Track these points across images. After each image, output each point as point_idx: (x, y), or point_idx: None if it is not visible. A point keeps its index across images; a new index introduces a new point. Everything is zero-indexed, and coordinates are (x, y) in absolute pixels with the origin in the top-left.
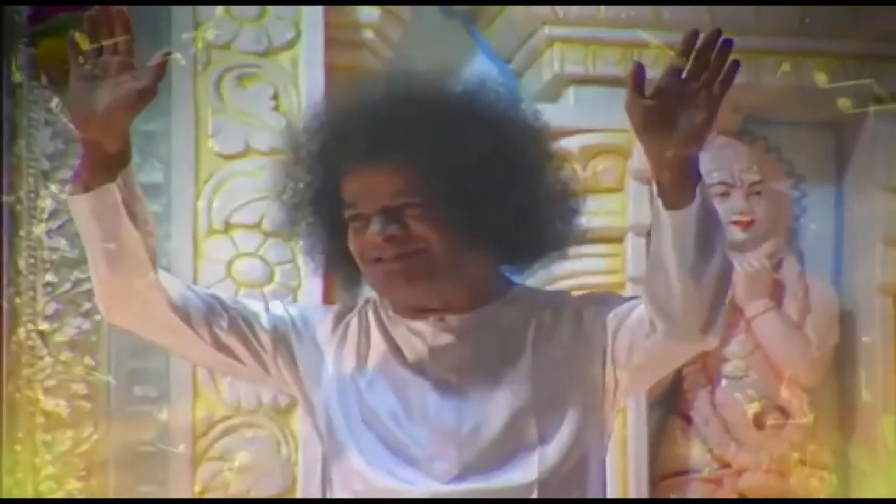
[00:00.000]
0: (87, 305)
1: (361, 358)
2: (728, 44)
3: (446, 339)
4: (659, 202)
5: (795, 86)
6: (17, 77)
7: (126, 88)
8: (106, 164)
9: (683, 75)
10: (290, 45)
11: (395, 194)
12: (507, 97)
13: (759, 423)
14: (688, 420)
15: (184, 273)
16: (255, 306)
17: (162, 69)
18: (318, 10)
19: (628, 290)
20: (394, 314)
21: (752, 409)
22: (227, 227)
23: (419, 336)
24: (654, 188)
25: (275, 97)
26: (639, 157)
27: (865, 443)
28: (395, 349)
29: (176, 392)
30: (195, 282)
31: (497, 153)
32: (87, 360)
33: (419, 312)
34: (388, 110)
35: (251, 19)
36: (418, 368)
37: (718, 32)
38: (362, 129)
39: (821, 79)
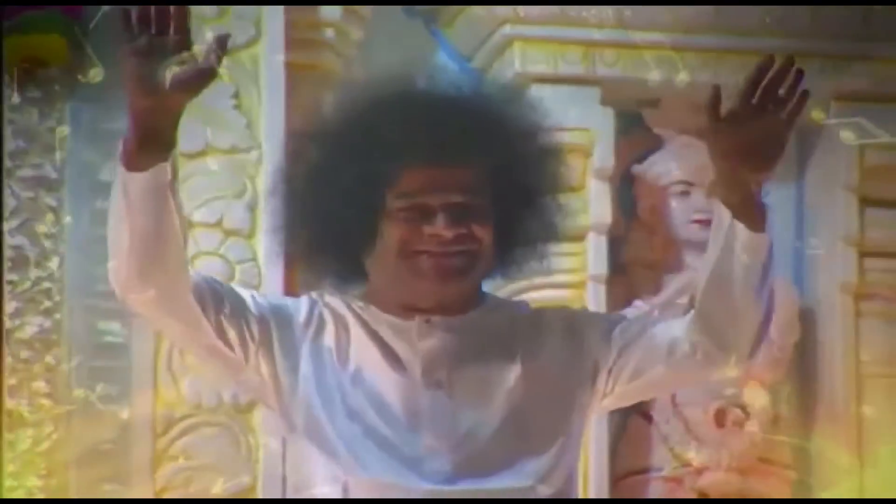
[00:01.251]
0: (47, 303)
1: (342, 353)
2: (800, 74)
3: (433, 340)
4: (738, 224)
5: None
6: None
7: (188, 68)
8: (158, 143)
9: (754, 101)
10: (250, 43)
11: (463, 191)
12: (531, 102)
13: (719, 421)
14: (648, 419)
15: None
16: (244, 293)
17: (223, 49)
18: (278, 10)
19: (589, 289)
20: (375, 310)
21: (713, 407)
22: (188, 225)
23: (404, 335)
24: (719, 212)
25: (235, 96)
26: (600, 156)
27: (827, 440)
28: (383, 347)
29: (137, 391)
30: None
31: (533, 158)
32: (48, 358)
33: (407, 311)
34: (457, 108)
35: (212, 18)
36: (408, 368)
37: (791, 61)
38: (433, 122)
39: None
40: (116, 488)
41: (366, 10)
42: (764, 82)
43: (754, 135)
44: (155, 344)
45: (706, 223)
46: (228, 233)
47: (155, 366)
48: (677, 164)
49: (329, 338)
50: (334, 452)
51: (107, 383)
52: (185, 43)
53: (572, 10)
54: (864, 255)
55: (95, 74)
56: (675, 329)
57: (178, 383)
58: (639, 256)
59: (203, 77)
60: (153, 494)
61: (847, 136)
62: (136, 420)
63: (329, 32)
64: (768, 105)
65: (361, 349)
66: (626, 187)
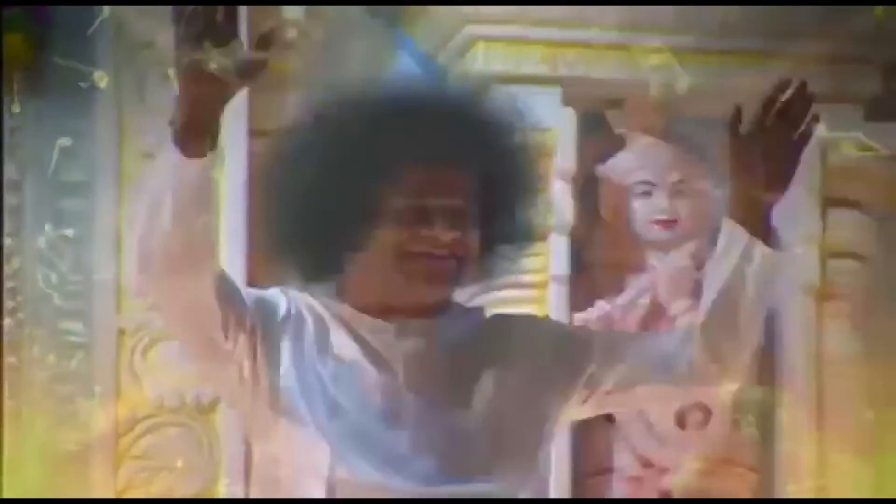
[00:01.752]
0: (9, 304)
1: (323, 349)
2: (811, 98)
3: (411, 342)
4: (757, 242)
5: (718, 85)
6: None
7: (238, 58)
8: (207, 131)
9: (767, 123)
10: None
11: (459, 195)
12: (512, 106)
13: (681, 422)
14: (610, 419)
15: (108, 271)
16: (236, 282)
17: (270, 42)
18: (241, 9)
19: (551, 290)
20: (350, 308)
21: (675, 408)
22: None
23: (382, 335)
24: (733, 231)
25: None
26: (563, 156)
27: (789, 441)
28: (364, 345)
29: (99, 391)
30: (118, 280)
31: (515, 159)
32: (11, 358)
33: (383, 312)
34: (456, 111)
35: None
36: (391, 368)
37: (804, 85)
38: (434, 124)
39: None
40: (78, 488)
41: (328, 10)
42: (778, 104)
43: (770, 155)
44: (117, 344)
45: (668, 223)
46: None
47: (117, 366)
48: (640, 164)
49: (309, 334)
50: (317, 449)
51: (69, 384)
52: (233, 33)
53: (534, 9)
54: (826, 255)
55: (100, 78)
56: (668, 344)
57: (140, 384)
58: (601, 257)
59: (252, 69)
60: (115, 494)
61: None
62: (99, 420)
63: (292, 32)
64: (781, 127)
65: (343, 347)
66: (588, 188)
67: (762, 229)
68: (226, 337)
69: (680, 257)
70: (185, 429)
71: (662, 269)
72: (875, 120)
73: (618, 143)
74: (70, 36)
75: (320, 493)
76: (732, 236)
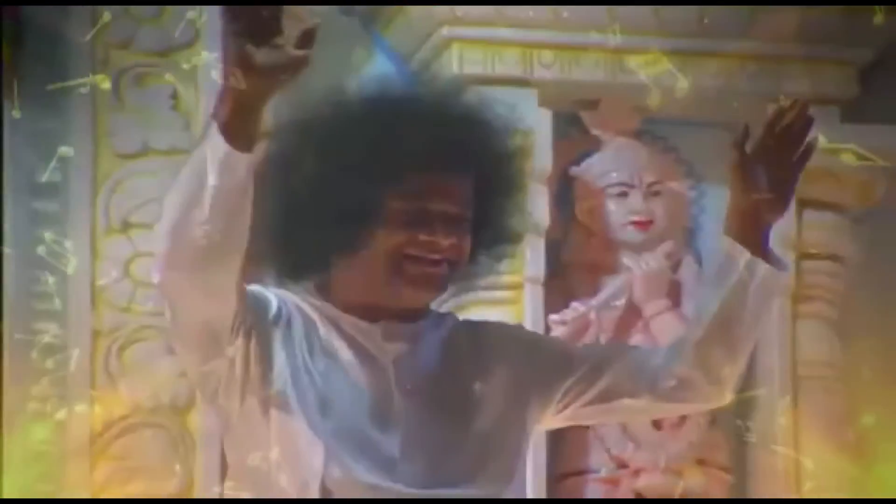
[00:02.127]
0: None
1: (314, 348)
2: (810, 122)
3: (397, 344)
4: (759, 261)
5: (694, 86)
6: None
7: (282, 54)
8: (253, 125)
9: (770, 144)
10: (189, 44)
11: (458, 201)
12: (504, 115)
13: (656, 423)
14: None
15: (82, 271)
16: None
17: (312, 39)
18: (217, 10)
19: (526, 291)
20: (334, 308)
21: None
22: (126, 226)
23: (369, 336)
24: (732, 250)
25: (174, 96)
26: (538, 158)
27: (764, 441)
28: (354, 345)
29: (74, 391)
30: (93, 281)
31: (510, 171)
32: None
33: (368, 313)
34: (460, 116)
35: (150, 18)
36: (382, 369)
37: (805, 107)
38: (440, 129)
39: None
40: (53, 489)
41: (303, 10)
42: (782, 125)
43: (772, 175)
44: (92, 345)
45: (644, 225)
46: None
47: (93, 367)
48: (615, 165)
49: (298, 332)
50: (308, 447)
51: (44, 384)
52: (277, 29)
53: (510, 11)
54: (801, 257)
55: (102, 80)
56: (656, 359)
57: (115, 384)
58: (576, 258)
59: (296, 65)
60: (91, 494)
61: None
62: (74, 420)
63: None
64: (783, 148)
65: (332, 346)
66: (563, 189)
67: (761, 248)
68: (231, 332)
69: (655, 258)
70: (161, 430)
71: (637, 270)
72: (852, 121)
73: (593, 145)
74: (45, 37)
75: (314, 493)
76: (732, 253)
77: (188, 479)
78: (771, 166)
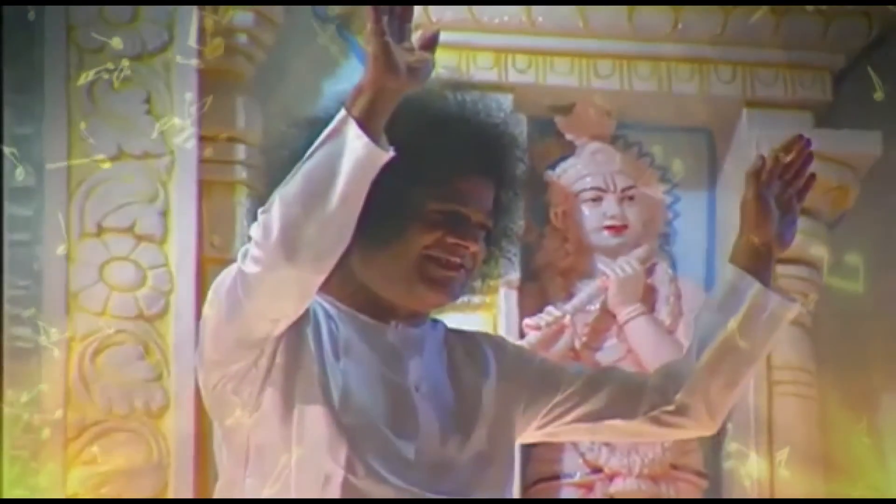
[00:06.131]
0: None
1: (335, 347)
2: (810, 158)
3: (407, 346)
4: (771, 293)
5: (668, 91)
6: None
7: (420, 57)
8: (384, 119)
9: (775, 179)
10: (163, 48)
11: (485, 211)
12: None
13: None
14: None
15: (56, 276)
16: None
17: (435, 44)
18: (191, 14)
19: (501, 295)
20: (347, 308)
21: None
22: (100, 230)
23: (380, 336)
24: (741, 281)
25: (148, 101)
26: None
27: (738, 445)
28: (374, 345)
29: (48, 396)
30: (67, 285)
31: (521, 179)
32: None
33: (379, 313)
34: (496, 127)
35: (124, 23)
36: (396, 370)
37: (808, 143)
38: (484, 138)
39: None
40: (27, 493)
41: (278, 15)
42: (783, 162)
43: (780, 209)
44: (67, 350)
45: (618, 229)
46: (140, 238)
47: (67, 371)
48: (589, 170)
49: (323, 330)
50: (332, 446)
51: (18, 388)
52: (408, 33)
53: (485, 15)
54: (776, 261)
55: (76, 85)
56: (649, 383)
57: (89, 389)
58: (551, 262)
59: (428, 69)
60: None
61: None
62: (48, 425)
63: (241, 38)
64: (786, 183)
65: (353, 346)
66: (538, 193)
67: (769, 280)
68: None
69: (629, 262)
70: (134, 434)
71: (611, 274)
72: (825, 126)
73: (567, 149)
74: (19, 41)
75: (336, 490)
76: (739, 284)
77: (161, 483)
78: (779, 201)
